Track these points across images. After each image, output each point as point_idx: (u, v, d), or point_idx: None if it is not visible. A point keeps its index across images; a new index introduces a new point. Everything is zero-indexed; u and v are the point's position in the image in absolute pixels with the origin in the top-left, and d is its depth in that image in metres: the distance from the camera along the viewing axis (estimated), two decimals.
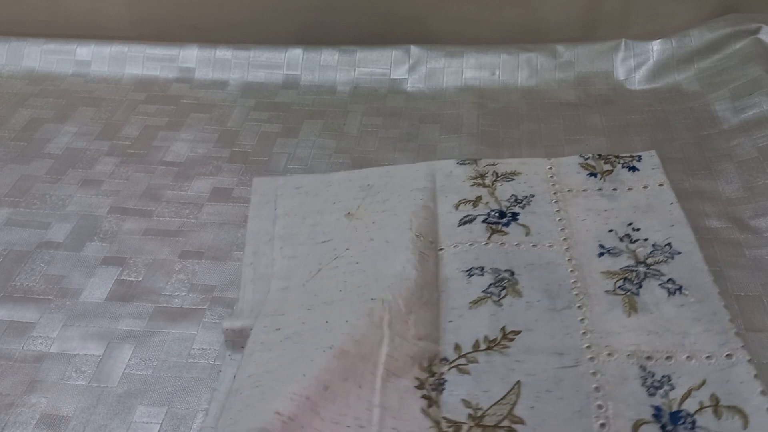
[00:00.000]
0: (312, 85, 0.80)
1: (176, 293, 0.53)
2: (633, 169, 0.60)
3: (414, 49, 0.80)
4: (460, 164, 0.62)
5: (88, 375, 0.47)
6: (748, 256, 0.52)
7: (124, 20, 0.85)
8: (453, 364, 0.44)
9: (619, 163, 0.61)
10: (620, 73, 0.77)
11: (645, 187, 0.57)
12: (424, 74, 0.79)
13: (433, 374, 0.43)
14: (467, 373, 0.43)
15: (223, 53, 0.82)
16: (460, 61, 0.79)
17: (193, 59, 0.82)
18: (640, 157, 0.61)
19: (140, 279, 0.54)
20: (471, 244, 0.53)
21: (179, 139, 0.71)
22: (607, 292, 0.48)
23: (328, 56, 0.81)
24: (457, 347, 0.45)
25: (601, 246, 0.52)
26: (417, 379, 0.42)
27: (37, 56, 0.83)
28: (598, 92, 0.75)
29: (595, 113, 0.72)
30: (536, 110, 0.73)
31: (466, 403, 0.41)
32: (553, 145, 0.67)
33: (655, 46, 0.77)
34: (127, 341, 0.49)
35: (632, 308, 0.46)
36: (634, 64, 0.77)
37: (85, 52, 0.83)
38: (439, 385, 0.43)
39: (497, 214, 0.56)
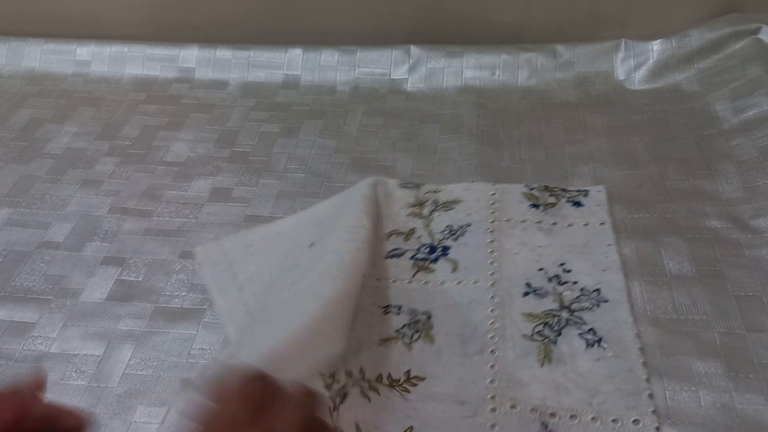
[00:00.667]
0: (312, 85, 0.80)
1: (176, 293, 0.53)
2: (577, 204, 0.57)
3: (414, 49, 0.80)
4: (402, 187, 0.60)
5: (88, 375, 0.47)
6: (748, 256, 0.52)
7: (124, 20, 0.85)
8: (355, 383, 0.43)
9: (564, 196, 0.58)
10: (620, 73, 0.77)
11: (585, 225, 0.55)
12: (424, 74, 0.79)
13: (337, 381, 0.41)
14: (368, 398, 0.43)
15: (223, 53, 0.82)
16: (460, 61, 0.79)
17: (193, 59, 0.82)
18: (587, 192, 0.59)
19: (140, 279, 0.54)
20: (393, 281, 0.51)
21: (179, 139, 0.71)
22: (524, 336, 0.46)
23: (328, 56, 0.81)
24: (361, 370, 0.44)
25: (528, 285, 0.50)
26: (323, 377, 0.40)
27: (37, 56, 0.83)
28: (598, 92, 0.75)
29: (595, 113, 0.72)
30: (536, 110, 0.73)
31: (359, 429, 0.41)
32: (553, 145, 0.67)
33: (655, 46, 0.77)
34: (127, 341, 0.49)
35: (546, 357, 0.44)
36: (634, 64, 0.77)
37: (85, 52, 0.83)
38: (342, 396, 0.42)
39: (427, 250, 0.54)
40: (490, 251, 0.52)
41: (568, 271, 0.51)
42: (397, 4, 0.80)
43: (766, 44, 0.73)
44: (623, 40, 0.77)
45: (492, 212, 0.56)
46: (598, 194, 0.59)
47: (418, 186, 0.60)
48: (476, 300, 0.48)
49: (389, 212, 0.57)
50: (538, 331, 0.46)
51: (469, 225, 0.55)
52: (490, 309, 0.48)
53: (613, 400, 0.42)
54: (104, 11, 0.83)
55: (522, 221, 0.55)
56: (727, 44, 0.75)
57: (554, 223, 0.55)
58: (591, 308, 0.48)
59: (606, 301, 0.48)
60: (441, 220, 0.56)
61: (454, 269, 0.51)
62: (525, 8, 0.80)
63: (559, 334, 0.46)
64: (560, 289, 0.49)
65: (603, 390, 0.42)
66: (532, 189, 0.59)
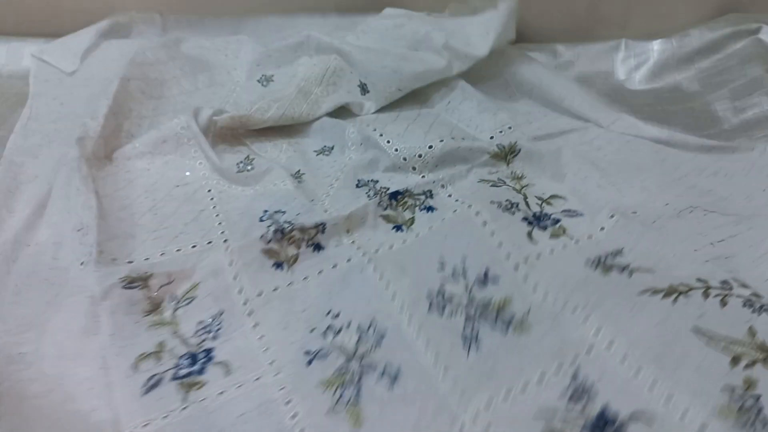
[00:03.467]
0: None
1: None
2: (318, 247, 0.52)
3: None
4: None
5: None
6: None
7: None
8: None
9: (304, 240, 0.52)
10: (620, 73, 0.77)
11: (335, 267, 0.51)
12: None
13: None
14: None
15: None
16: None
17: None
18: (324, 226, 0.53)
19: None
20: (165, 417, 0.42)
21: None
22: (328, 413, 0.41)
23: None
24: None
25: (308, 352, 0.45)
26: None
27: None
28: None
29: None
30: None
31: None
32: None
33: (655, 46, 0.77)
34: None
35: (357, 422, 0.41)
36: (635, 64, 0.77)
37: None
38: None
39: (188, 361, 0.45)
40: (258, 338, 0.46)
41: (337, 316, 0.47)
42: (397, 4, 0.80)
43: (766, 44, 0.73)
44: (623, 39, 0.78)
45: (239, 291, 0.49)
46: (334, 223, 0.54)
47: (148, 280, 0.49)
48: (267, 400, 0.42)
49: (124, 332, 0.46)
50: (339, 398, 0.42)
51: (222, 314, 0.48)
52: (286, 402, 0.42)
53: None
54: (104, 11, 0.83)
55: (274, 290, 0.50)
56: (727, 44, 0.75)
57: (306, 278, 0.50)
58: (374, 348, 0.45)
59: (383, 335, 0.45)
60: (189, 316, 0.48)
61: (228, 373, 0.44)
62: (525, 8, 0.80)
63: (359, 389, 0.42)
64: (338, 340, 0.45)
65: None
66: (269, 242, 0.51)
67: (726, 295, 0.42)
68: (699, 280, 0.44)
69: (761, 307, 0.42)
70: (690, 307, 0.42)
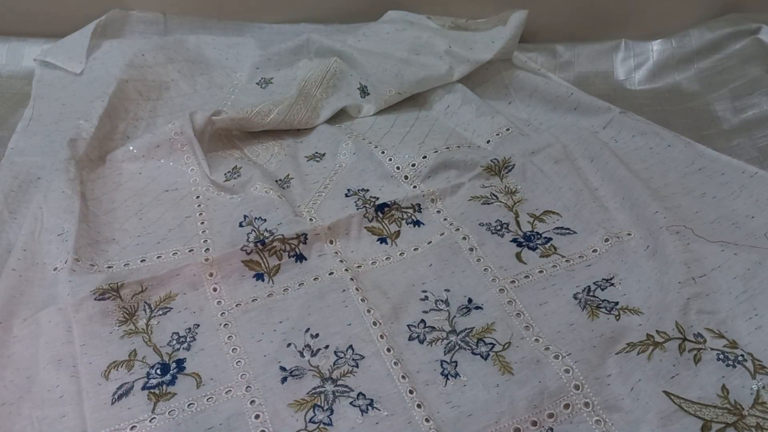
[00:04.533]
0: None
1: None
2: (300, 258, 0.52)
3: None
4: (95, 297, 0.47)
5: None
6: None
7: None
8: None
9: (285, 251, 0.52)
10: (620, 73, 0.77)
11: (316, 279, 0.51)
12: None
13: None
14: None
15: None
16: None
17: None
18: (305, 237, 0.53)
19: None
20: (132, 427, 0.41)
21: None
22: None
23: None
24: None
25: (282, 368, 0.44)
26: None
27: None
28: (598, 92, 0.75)
29: None
30: None
31: None
32: None
33: (655, 46, 0.77)
34: None
35: None
36: (634, 64, 0.77)
37: None
38: None
39: (159, 371, 0.44)
40: (232, 350, 0.46)
41: (316, 336, 0.47)
42: (398, 5, 0.80)
43: (766, 44, 0.73)
44: (623, 40, 0.77)
45: (218, 302, 0.49)
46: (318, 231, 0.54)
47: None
48: (236, 414, 0.42)
49: (95, 342, 0.46)
50: (310, 419, 0.41)
51: (198, 326, 0.47)
52: (254, 416, 0.42)
53: None
54: (105, 12, 0.83)
55: (253, 300, 0.49)
56: (727, 44, 0.75)
57: (285, 289, 0.50)
58: (351, 372, 0.44)
59: (361, 361, 0.45)
60: (163, 328, 0.47)
61: (199, 385, 0.44)
62: (525, 8, 0.80)
63: (332, 412, 0.42)
64: (315, 361, 0.45)
65: None
66: (250, 253, 0.51)
67: (700, 350, 0.43)
68: (677, 328, 0.44)
69: (736, 359, 0.42)
70: (665, 363, 0.42)
